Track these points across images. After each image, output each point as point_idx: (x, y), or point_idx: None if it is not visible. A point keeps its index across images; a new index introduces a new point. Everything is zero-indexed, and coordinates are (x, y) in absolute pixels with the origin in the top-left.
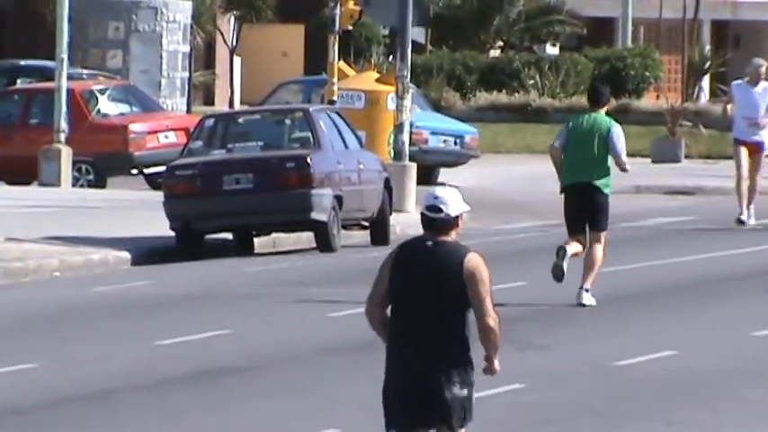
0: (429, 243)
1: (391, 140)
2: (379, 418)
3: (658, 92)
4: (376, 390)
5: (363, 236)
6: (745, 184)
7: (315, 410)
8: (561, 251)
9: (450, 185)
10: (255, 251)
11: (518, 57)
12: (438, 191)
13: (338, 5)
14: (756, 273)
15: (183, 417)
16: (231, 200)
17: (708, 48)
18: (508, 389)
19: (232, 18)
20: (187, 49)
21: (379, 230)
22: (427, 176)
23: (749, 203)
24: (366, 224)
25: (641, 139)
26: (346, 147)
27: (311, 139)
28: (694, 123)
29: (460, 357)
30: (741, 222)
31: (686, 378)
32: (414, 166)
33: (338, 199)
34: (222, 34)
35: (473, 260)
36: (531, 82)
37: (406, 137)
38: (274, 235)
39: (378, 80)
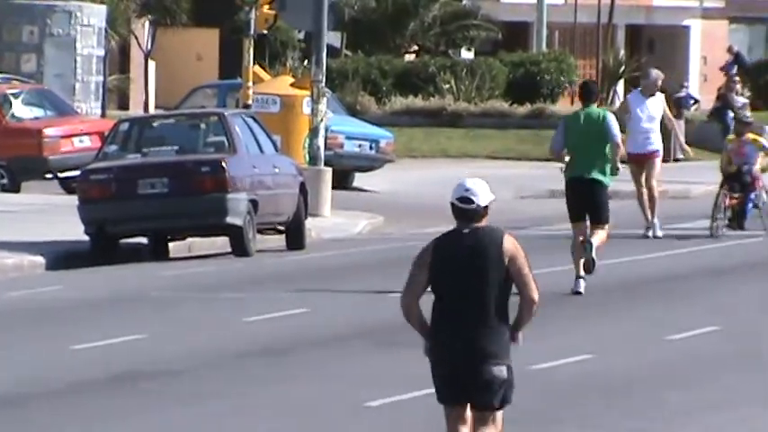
0: (466, 230)
1: (306, 145)
2: (292, 422)
3: (573, 96)
4: (290, 394)
5: (279, 240)
6: (645, 196)
7: (229, 415)
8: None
9: (367, 189)
10: (170, 255)
11: (433, 61)
12: (468, 182)
13: (253, 9)
14: (670, 277)
15: (97, 422)
16: (146, 204)
17: (622, 52)
18: (428, 392)
19: (147, 22)
20: (102, 52)
21: (294, 235)
22: (342, 181)
23: (653, 215)
24: (281, 228)
25: None
26: (262, 151)
27: (226, 144)
28: None
29: (501, 339)
30: (649, 237)
31: (603, 382)
32: (329, 170)
33: (253, 203)
34: (137, 38)
35: (511, 240)
36: (447, 86)
37: (321, 141)
38: (189, 239)
39: (293, 84)
